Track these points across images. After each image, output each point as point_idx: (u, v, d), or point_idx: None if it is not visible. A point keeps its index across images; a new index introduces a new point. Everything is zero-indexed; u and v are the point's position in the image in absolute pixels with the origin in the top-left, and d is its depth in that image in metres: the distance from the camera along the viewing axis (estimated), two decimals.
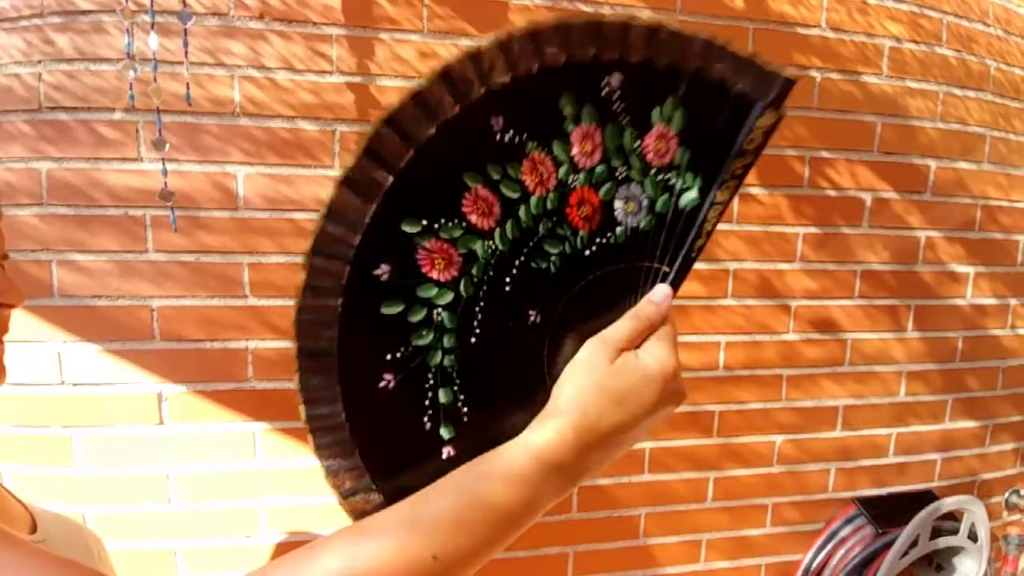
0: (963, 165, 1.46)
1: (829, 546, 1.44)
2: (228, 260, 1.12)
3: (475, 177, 0.36)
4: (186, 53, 0.99)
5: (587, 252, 0.39)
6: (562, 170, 0.37)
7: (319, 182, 1.13)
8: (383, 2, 1.11)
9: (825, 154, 1.36)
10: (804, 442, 1.45)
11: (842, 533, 1.44)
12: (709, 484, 1.41)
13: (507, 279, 0.38)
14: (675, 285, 0.40)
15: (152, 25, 0.95)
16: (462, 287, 0.38)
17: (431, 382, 0.39)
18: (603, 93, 0.36)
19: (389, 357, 0.38)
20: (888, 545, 1.35)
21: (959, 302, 1.52)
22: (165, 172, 0.97)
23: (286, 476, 1.19)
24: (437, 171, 0.35)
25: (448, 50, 1.15)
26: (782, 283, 1.38)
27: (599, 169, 0.37)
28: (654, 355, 0.39)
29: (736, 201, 1.32)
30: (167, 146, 0.95)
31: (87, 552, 0.66)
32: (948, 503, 1.38)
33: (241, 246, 1.12)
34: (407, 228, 0.36)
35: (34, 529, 0.61)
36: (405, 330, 0.38)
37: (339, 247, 0.36)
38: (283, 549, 1.20)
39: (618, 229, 0.39)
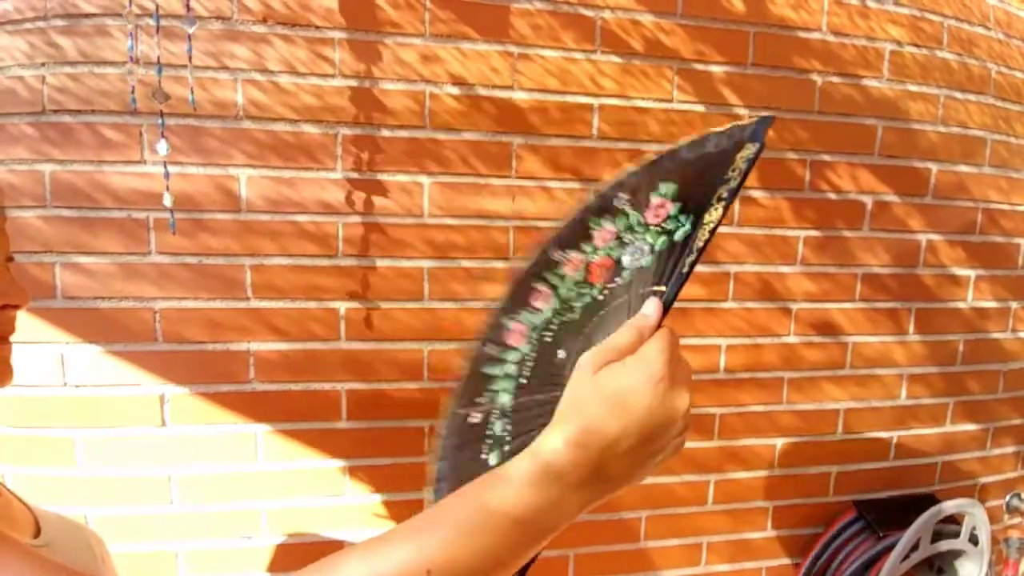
0: (964, 168, 1.47)
1: (830, 549, 1.44)
2: (230, 262, 1.12)
3: (538, 280, 0.54)
4: (190, 57, 1.00)
5: (600, 296, 0.49)
6: (587, 255, 0.52)
7: (321, 184, 1.14)
8: (385, 6, 1.11)
9: (826, 157, 1.36)
10: (805, 445, 1.45)
11: (843, 536, 1.44)
12: (710, 487, 1.41)
13: (548, 333, 0.52)
14: (669, 299, 0.43)
15: (157, 29, 0.95)
16: (523, 346, 0.53)
17: (493, 416, 0.52)
18: (615, 205, 0.51)
19: (478, 400, 0.53)
20: (889, 548, 1.35)
21: (960, 305, 1.52)
22: (167, 175, 0.97)
23: (287, 478, 1.19)
24: (520, 285, 0.55)
25: (450, 53, 1.15)
26: (783, 286, 1.38)
27: (612, 243, 0.50)
28: (641, 359, 0.40)
29: (737, 204, 1.32)
30: (168, 149, 0.95)
31: (90, 554, 0.66)
32: (949, 506, 1.37)
33: (243, 248, 1.12)
34: (503, 321, 0.54)
35: (38, 531, 0.62)
36: (492, 381, 0.53)
37: (478, 339, 0.56)
38: (284, 551, 1.21)
39: (624, 272, 0.48)
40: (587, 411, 0.39)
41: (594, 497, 0.41)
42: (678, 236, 0.45)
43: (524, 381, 0.51)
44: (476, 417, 0.53)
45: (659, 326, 0.42)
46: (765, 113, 0.46)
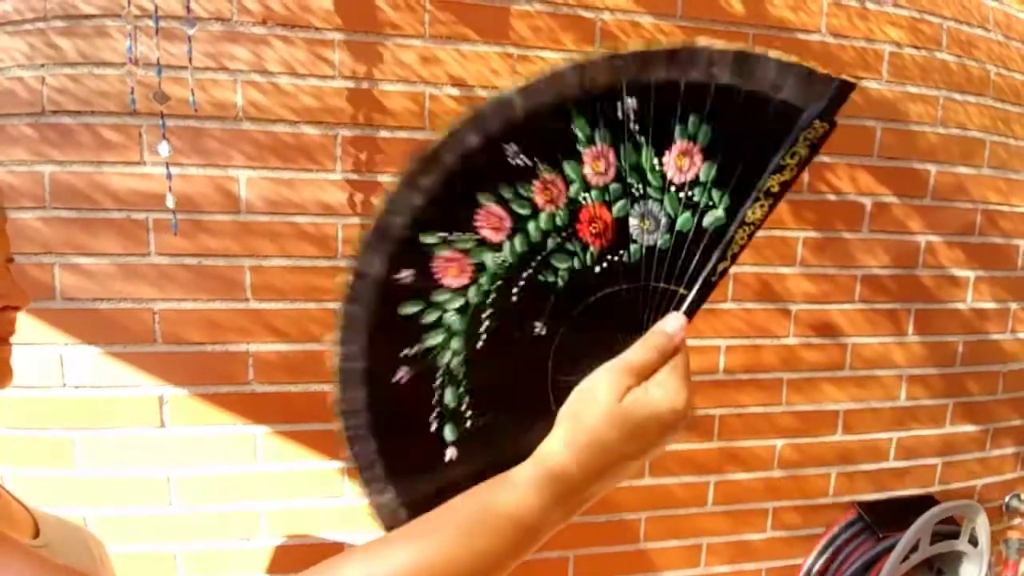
0: (963, 170, 1.47)
1: (830, 551, 1.44)
2: (230, 263, 1.12)
3: (487, 196, 0.39)
4: (190, 59, 0.99)
5: (597, 269, 0.39)
6: (573, 188, 0.39)
7: (321, 186, 1.13)
8: (385, 7, 1.11)
9: (825, 159, 1.36)
10: (804, 446, 1.45)
11: (843, 537, 1.44)
12: (709, 488, 1.41)
13: (514, 290, 0.40)
14: (692, 311, 0.38)
15: (156, 30, 0.95)
16: (471, 293, 0.40)
17: (439, 381, 0.41)
18: (619, 116, 0.37)
19: (404, 353, 0.41)
20: (889, 550, 1.35)
21: (959, 306, 1.52)
22: (169, 176, 0.97)
23: (287, 479, 1.19)
24: (456, 192, 0.39)
25: (450, 55, 1.15)
26: (782, 287, 1.38)
27: (613, 187, 0.38)
28: (665, 390, 0.38)
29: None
30: (169, 150, 0.95)
31: (89, 555, 0.66)
32: (949, 507, 1.37)
33: (243, 249, 1.12)
34: (426, 238, 0.40)
35: (36, 533, 0.61)
36: (419, 329, 0.41)
37: (374, 255, 0.40)
38: (283, 552, 1.20)
39: (632, 247, 0.39)
40: (608, 435, 0.38)
41: (593, 498, 0.41)
42: (707, 222, 0.37)
43: (481, 345, 0.41)
44: (403, 374, 0.41)
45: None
46: (846, 78, 0.35)
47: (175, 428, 1.14)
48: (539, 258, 0.39)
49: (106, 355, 1.10)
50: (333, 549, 1.24)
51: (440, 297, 0.40)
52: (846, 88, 0.34)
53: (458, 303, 0.40)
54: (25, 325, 1.06)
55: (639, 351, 0.39)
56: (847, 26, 1.33)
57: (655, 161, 0.37)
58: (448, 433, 0.42)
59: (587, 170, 0.38)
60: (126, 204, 1.08)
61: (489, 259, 0.39)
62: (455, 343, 0.41)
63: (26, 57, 1.04)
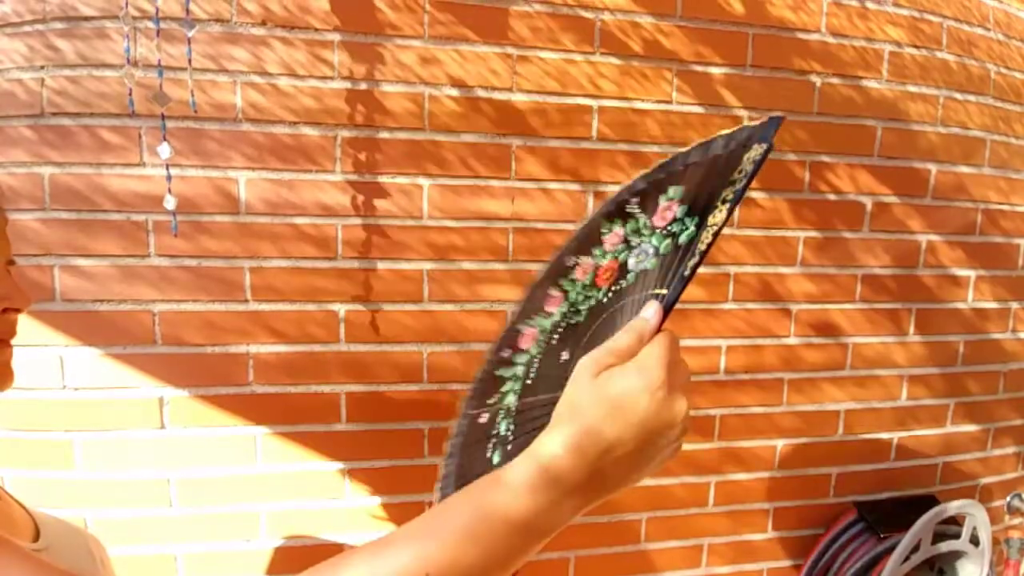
0: (964, 169, 1.47)
1: (831, 551, 1.44)
2: (230, 264, 1.12)
3: (552, 287, 0.55)
4: (189, 60, 1.00)
5: (605, 299, 0.49)
6: (596, 259, 0.52)
7: (321, 187, 1.13)
8: (384, 8, 1.11)
9: (826, 158, 1.36)
10: (805, 446, 1.45)
11: (844, 538, 1.44)
12: (710, 488, 1.41)
13: (555, 336, 0.52)
14: (670, 302, 0.42)
15: (157, 32, 0.95)
16: (532, 349, 0.54)
17: (500, 416, 0.52)
18: (627, 210, 0.51)
19: (489, 401, 0.54)
20: (890, 550, 1.35)
21: (960, 306, 1.52)
22: (169, 178, 0.97)
23: (287, 480, 1.19)
24: (538, 292, 0.56)
25: (449, 55, 1.15)
26: (783, 287, 1.38)
27: (620, 247, 0.50)
28: (639, 365, 0.39)
29: (737, 205, 1.32)
30: (170, 152, 0.95)
31: (89, 558, 0.66)
32: (950, 507, 1.37)
33: (243, 250, 1.12)
34: (519, 327, 0.56)
35: (37, 535, 0.61)
36: (500, 383, 0.55)
37: (494, 345, 0.58)
38: (284, 553, 1.20)
39: (629, 275, 0.48)
40: (585, 415, 0.39)
41: (590, 500, 0.41)
42: (682, 239, 0.44)
43: (529, 382, 0.52)
44: (484, 417, 0.53)
45: (659, 329, 0.42)
46: (774, 114, 0.44)
47: (175, 429, 1.14)
48: (574, 309, 0.52)
49: (106, 356, 1.10)
50: (333, 550, 1.24)
51: (519, 359, 0.55)
52: (776, 122, 0.43)
53: (525, 359, 0.54)
54: (25, 327, 1.06)
55: (618, 336, 0.42)
56: (847, 25, 1.33)
57: (646, 221, 0.49)
58: (496, 458, 0.50)
59: (607, 246, 0.52)
60: (126, 206, 1.08)
61: (548, 323, 0.54)
62: (516, 386, 0.53)
63: (25, 59, 1.04)
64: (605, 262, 0.51)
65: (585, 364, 0.41)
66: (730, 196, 0.41)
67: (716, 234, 0.41)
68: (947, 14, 1.40)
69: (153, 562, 1.16)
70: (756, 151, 0.42)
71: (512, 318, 0.57)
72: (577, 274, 0.53)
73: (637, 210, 0.50)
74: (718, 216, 0.41)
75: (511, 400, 0.52)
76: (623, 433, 0.39)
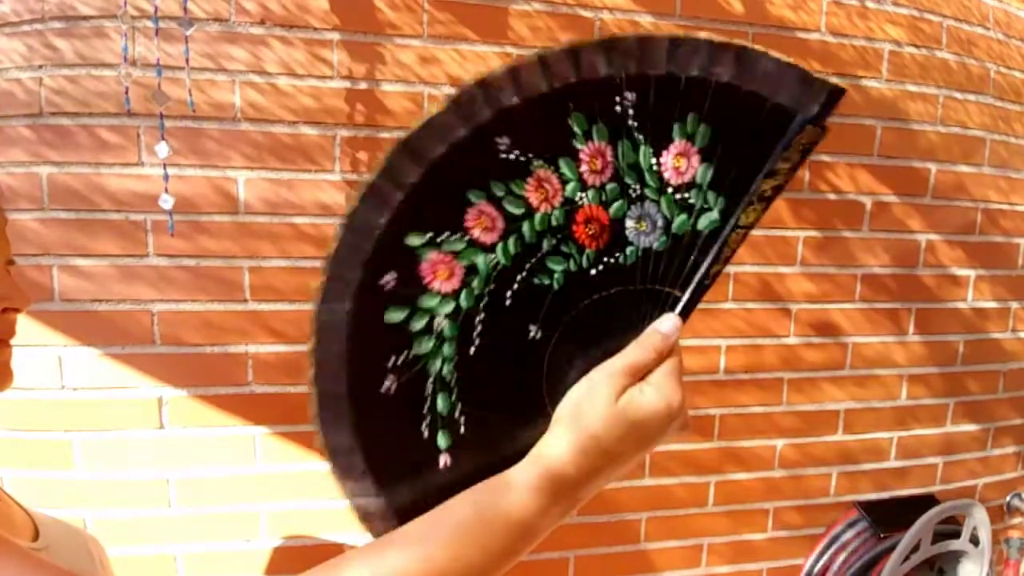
0: (963, 168, 1.47)
1: (831, 550, 1.44)
2: (229, 264, 1.12)
3: (478, 193, 0.37)
4: (187, 60, 0.99)
5: (593, 271, 0.39)
6: (569, 187, 0.37)
7: (320, 186, 1.13)
8: (383, 7, 1.11)
9: (825, 158, 1.36)
10: (805, 446, 1.45)
11: (844, 537, 1.44)
12: (710, 488, 1.41)
13: (508, 293, 0.39)
14: (685, 313, 0.38)
15: (156, 31, 0.95)
16: (463, 298, 0.38)
17: (430, 389, 0.40)
18: (617, 110, 0.36)
19: (391, 363, 0.39)
20: (890, 549, 1.35)
21: (960, 305, 1.51)
22: (167, 177, 0.97)
23: (286, 480, 1.19)
24: (443, 188, 0.37)
25: (448, 55, 1.15)
26: (783, 287, 1.38)
27: (610, 187, 0.37)
28: (660, 391, 0.39)
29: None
30: (168, 151, 0.95)
31: (88, 558, 0.66)
32: (950, 507, 1.37)
33: (242, 250, 1.12)
34: (412, 240, 0.37)
35: (36, 535, 0.61)
36: (407, 337, 0.39)
37: (353, 256, 0.38)
38: (283, 553, 1.20)
39: (628, 249, 0.38)
40: (601, 434, 0.39)
41: (587, 498, 0.42)
42: (702, 224, 0.37)
43: (473, 352, 0.39)
44: (390, 383, 0.39)
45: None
46: (836, 83, 0.35)
47: (174, 429, 1.14)
48: (533, 260, 0.38)
49: (105, 356, 1.10)
50: (333, 550, 1.24)
51: (429, 302, 0.38)
52: (837, 94, 0.35)
53: (449, 308, 0.39)
54: (24, 327, 1.06)
55: (635, 352, 0.39)
56: (847, 25, 1.33)
57: (653, 161, 0.36)
58: (441, 440, 0.41)
59: (583, 168, 0.37)
60: (124, 205, 1.08)
61: (481, 261, 0.38)
62: (447, 349, 0.39)
63: (24, 58, 1.04)
64: (586, 202, 0.37)
65: (600, 382, 0.39)
66: (769, 192, 0.35)
67: (745, 236, 0.36)
68: (947, 13, 1.40)
69: (153, 562, 1.16)
70: (807, 135, 0.35)
71: (382, 211, 0.37)
72: (531, 194, 0.37)
73: (635, 123, 0.36)
74: (752, 216, 0.36)
75: (440, 368, 0.39)
76: (635, 448, 0.40)
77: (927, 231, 1.45)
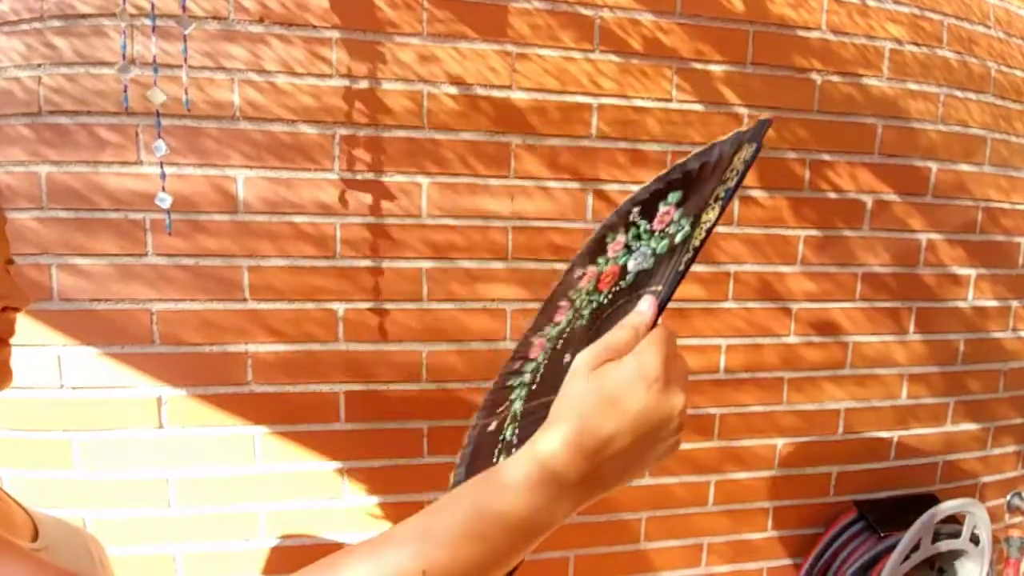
0: (964, 167, 1.46)
1: (831, 550, 1.44)
2: (228, 263, 1.12)
3: (562, 299, 0.57)
4: (185, 59, 0.99)
5: (605, 301, 0.50)
6: (600, 267, 0.54)
7: (319, 185, 1.13)
8: (383, 5, 1.11)
9: (826, 156, 1.36)
10: (805, 445, 1.45)
11: (843, 537, 1.44)
12: (710, 488, 1.41)
13: (560, 341, 0.53)
14: (665, 297, 0.43)
15: (153, 29, 0.95)
16: (540, 357, 0.55)
17: (507, 422, 0.53)
18: (630, 219, 0.52)
19: (499, 410, 0.55)
20: (890, 549, 1.35)
21: (960, 304, 1.51)
22: (164, 176, 0.97)
23: (286, 480, 1.18)
24: (549, 306, 0.58)
25: (448, 53, 1.15)
26: (783, 286, 1.38)
27: (622, 252, 0.52)
28: (637, 358, 0.39)
29: (737, 204, 1.32)
30: (165, 149, 0.94)
31: (88, 558, 0.66)
32: (950, 506, 1.37)
33: (241, 249, 1.12)
34: (531, 338, 0.57)
35: (36, 535, 0.61)
36: (509, 392, 0.56)
37: (509, 358, 0.59)
38: (282, 553, 1.20)
39: (628, 276, 0.49)
40: (582, 411, 0.39)
41: (587, 497, 0.41)
42: (678, 238, 0.45)
43: (534, 387, 0.52)
44: (493, 425, 0.54)
45: (655, 324, 0.42)
46: (765, 115, 0.46)
47: (173, 429, 1.14)
48: (578, 314, 0.53)
49: (104, 356, 1.10)
50: (332, 550, 1.23)
51: (527, 367, 0.56)
52: (765, 124, 0.44)
53: (532, 367, 0.55)
54: (23, 326, 1.06)
55: (613, 331, 0.42)
56: (847, 23, 1.32)
57: (647, 226, 0.51)
58: (500, 461, 0.50)
59: (609, 254, 0.53)
60: (123, 204, 1.08)
61: (554, 331, 0.55)
62: (523, 392, 0.54)
63: (23, 57, 1.04)
64: (607, 268, 0.52)
65: (581, 360, 0.41)
66: (722, 194, 0.43)
67: (709, 231, 0.42)
68: (948, 12, 1.39)
69: (152, 562, 1.16)
70: (747, 151, 0.43)
71: (526, 332, 0.59)
72: (582, 283, 0.55)
73: (639, 218, 0.52)
74: (711, 214, 0.43)
75: (517, 407, 0.53)
76: (620, 427, 0.39)
77: (928, 230, 1.45)
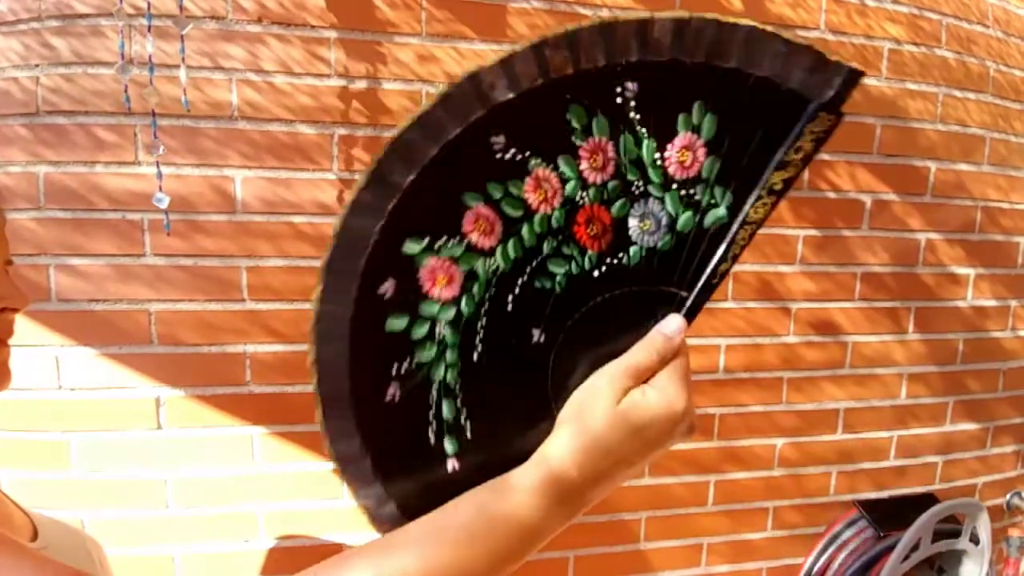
0: (963, 167, 1.46)
1: (830, 550, 1.44)
2: (226, 264, 1.12)
3: (475, 196, 0.35)
4: (183, 59, 0.99)
5: (596, 273, 0.37)
6: (569, 186, 0.36)
7: (318, 185, 1.13)
8: (382, 5, 1.11)
9: (825, 156, 1.36)
10: (805, 445, 1.45)
11: (843, 536, 1.44)
12: (710, 488, 1.40)
13: (510, 298, 0.38)
14: (691, 314, 0.37)
15: (149, 28, 0.95)
16: (463, 304, 0.38)
17: (434, 396, 0.39)
18: (618, 102, 0.34)
19: (394, 371, 0.38)
20: (890, 548, 1.35)
21: (960, 304, 1.51)
22: (160, 176, 0.96)
23: (284, 480, 1.18)
24: (439, 191, 0.35)
25: (447, 53, 1.14)
26: (782, 285, 1.37)
27: (612, 184, 0.36)
28: (663, 393, 0.38)
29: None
30: (162, 149, 0.94)
31: (88, 559, 0.66)
32: (949, 506, 1.37)
33: (239, 250, 1.12)
34: (409, 247, 0.36)
35: (35, 536, 0.61)
36: (409, 345, 0.38)
37: (349, 264, 0.36)
38: (282, 553, 1.20)
39: (632, 249, 0.37)
40: (603, 437, 0.38)
41: (592, 502, 0.41)
42: (708, 221, 0.35)
43: (476, 359, 0.39)
44: (393, 391, 0.39)
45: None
46: (851, 64, 0.32)
47: (172, 430, 1.13)
48: (534, 264, 0.37)
49: (102, 356, 1.10)
50: (332, 550, 1.24)
51: (429, 310, 0.37)
52: (854, 76, 0.32)
53: (450, 314, 0.37)
54: (21, 327, 1.05)
55: (638, 354, 0.39)
56: (846, 22, 1.32)
57: (656, 156, 0.35)
58: (448, 446, 0.40)
59: (584, 165, 0.35)
60: (121, 204, 1.07)
61: (480, 266, 0.37)
62: (450, 356, 0.38)
63: (20, 57, 1.04)
64: (587, 201, 0.36)
65: (603, 384, 0.39)
66: (780, 185, 0.33)
67: (754, 233, 0.34)
68: (946, 11, 1.39)
69: (151, 563, 1.16)
70: (822, 123, 0.33)
71: (370, 217, 0.36)
72: (530, 195, 0.36)
73: (637, 115, 0.34)
74: (761, 211, 0.34)
75: (444, 375, 0.39)
76: (639, 452, 0.39)
77: (927, 229, 1.45)
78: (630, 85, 0.34)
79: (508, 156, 0.35)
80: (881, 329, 1.46)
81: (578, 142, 0.35)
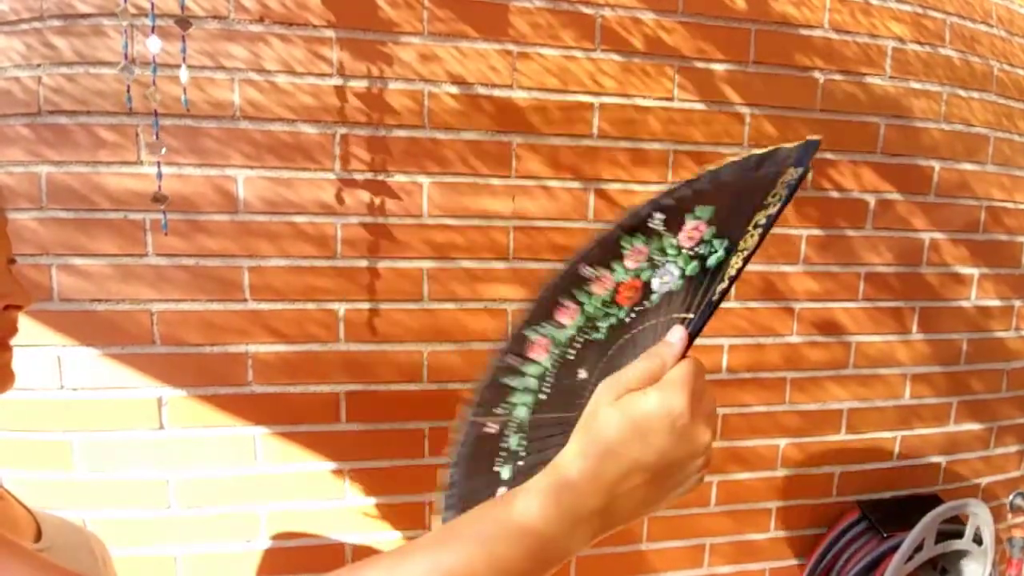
0: (967, 166, 1.46)
1: (834, 550, 1.43)
2: (228, 264, 1.12)
3: (566, 297, 0.53)
4: (184, 59, 0.99)
5: (627, 319, 0.49)
6: (616, 275, 0.51)
7: (319, 185, 1.13)
8: (384, 5, 1.11)
9: (828, 156, 1.35)
10: (808, 445, 1.44)
11: (846, 537, 1.43)
12: (712, 488, 1.40)
13: (571, 350, 0.51)
14: (696, 328, 0.42)
15: (152, 28, 0.94)
16: (545, 361, 0.52)
17: (511, 430, 0.51)
18: (650, 225, 0.50)
19: (496, 411, 0.53)
20: (893, 549, 1.34)
21: (963, 304, 1.51)
22: (160, 176, 0.96)
23: (286, 481, 1.18)
24: (545, 299, 0.54)
25: (449, 52, 1.14)
26: (786, 285, 1.37)
27: (643, 264, 0.50)
28: (662, 391, 0.39)
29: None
30: (164, 149, 0.94)
31: (91, 557, 0.66)
32: (953, 506, 1.37)
33: (241, 249, 1.12)
34: (527, 332, 0.54)
35: (39, 535, 0.61)
36: (509, 393, 0.53)
37: (500, 348, 0.55)
38: (283, 554, 1.20)
39: (653, 296, 0.47)
40: (606, 436, 0.39)
41: (604, 528, 0.40)
42: (711, 262, 0.43)
43: (544, 397, 0.51)
44: (492, 428, 0.52)
45: (684, 355, 0.41)
46: (811, 137, 0.44)
47: (174, 430, 1.13)
48: (591, 324, 0.51)
49: (104, 356, 1.10)
50: (333, 550, 1.24)
51: (529, 369, 0.53)
52: (812, 145, 0.42)
53: (536, 370, 0.52)
54: (23, 326, 1.05)
55: (641, 360, 0.41)
56: (850, 22, 1.32)
57: (673, 241, 0.48)
58: (504, 473, 0.49)
59: (628, 263, 0.51)
60: (123, 204, 1.07)
61: (561, 335, 0.52)
62: (528, 399, 0.51)
63: (22, 57, 1.04)
64: (627, 279, 0.50)
65: (606, 386, 0.40)
66: (763, 220, 0.40)
67: (747, 259, 0.40)
68: (950, 10, 1.39)
69: (152, 563, 1.16)
70: (791, 175, 0.41)
71: (519, 323, 0.56)
72: (594, 288, 0.52)
73: (661, 227, 0.49)
74: (749, 241, 0.41)
75: (522, 413, 0.51)
76: (643, 458, 0.39)
77: (930, 229, 1.45)
78: (658, 216, 0.50)
79: (586, 273, 0.53)
80: (885, 329, 1.45)
81: (626, 251, 0.51)
